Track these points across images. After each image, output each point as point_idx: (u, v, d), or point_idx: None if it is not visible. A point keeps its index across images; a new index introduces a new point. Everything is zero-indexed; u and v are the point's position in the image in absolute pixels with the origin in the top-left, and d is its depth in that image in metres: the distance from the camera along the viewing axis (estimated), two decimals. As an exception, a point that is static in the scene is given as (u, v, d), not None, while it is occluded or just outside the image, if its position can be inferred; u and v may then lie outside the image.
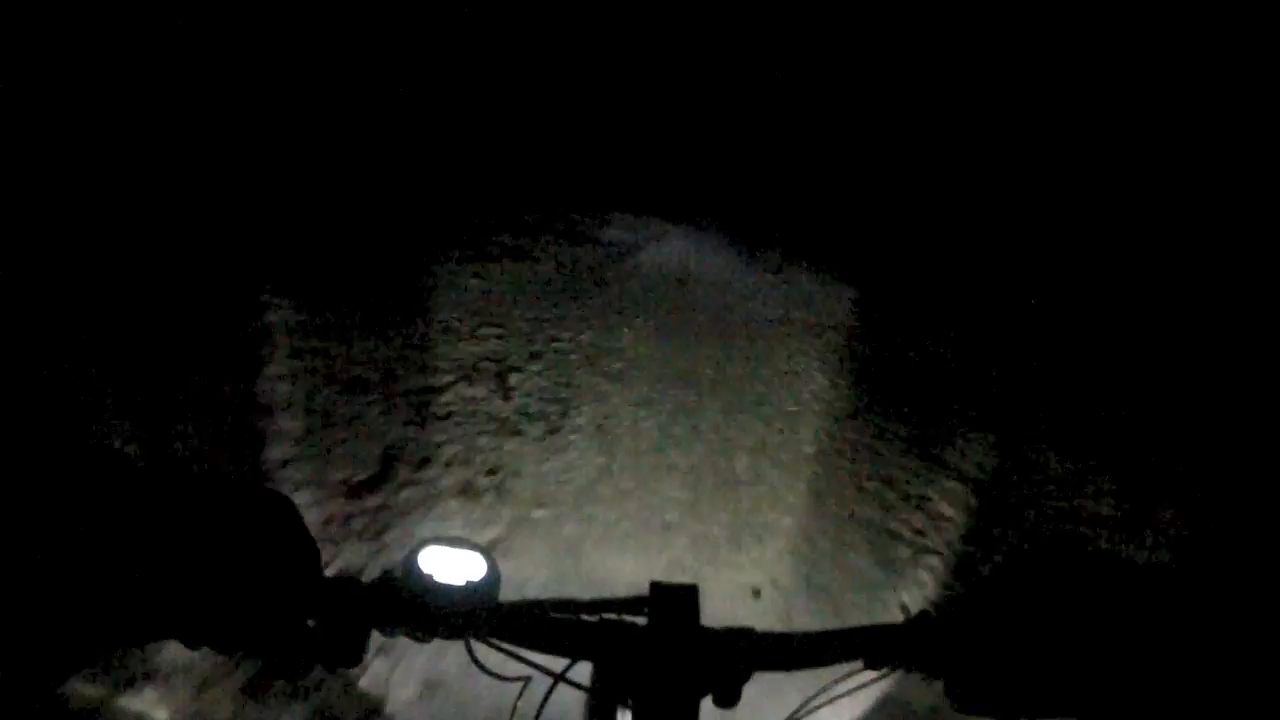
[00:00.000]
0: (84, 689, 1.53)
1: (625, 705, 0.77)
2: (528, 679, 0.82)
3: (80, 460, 0.74)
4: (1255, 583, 0.74)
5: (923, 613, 0.77)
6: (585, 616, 0.77)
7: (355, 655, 0.75)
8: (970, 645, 0.74)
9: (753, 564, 2.57)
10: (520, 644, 0.76)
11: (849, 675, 0.80)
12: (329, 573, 0.77)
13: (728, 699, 0.75)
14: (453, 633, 0.75)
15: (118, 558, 0.69)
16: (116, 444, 2.00)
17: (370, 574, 0.78)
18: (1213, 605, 0.71)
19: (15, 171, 2.68)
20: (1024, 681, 0.71)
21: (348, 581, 0.75)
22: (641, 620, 0.76)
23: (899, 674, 0.80)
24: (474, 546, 0.76)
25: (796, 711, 0.82)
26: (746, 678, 0.74)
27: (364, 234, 3.54)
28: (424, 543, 0.76)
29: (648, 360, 3.45)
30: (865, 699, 1.89)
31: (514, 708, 0.84)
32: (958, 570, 2.34)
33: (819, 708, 0.83)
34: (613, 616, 0.76)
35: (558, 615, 0.77)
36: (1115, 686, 0.70)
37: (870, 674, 0.80)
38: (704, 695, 0.74)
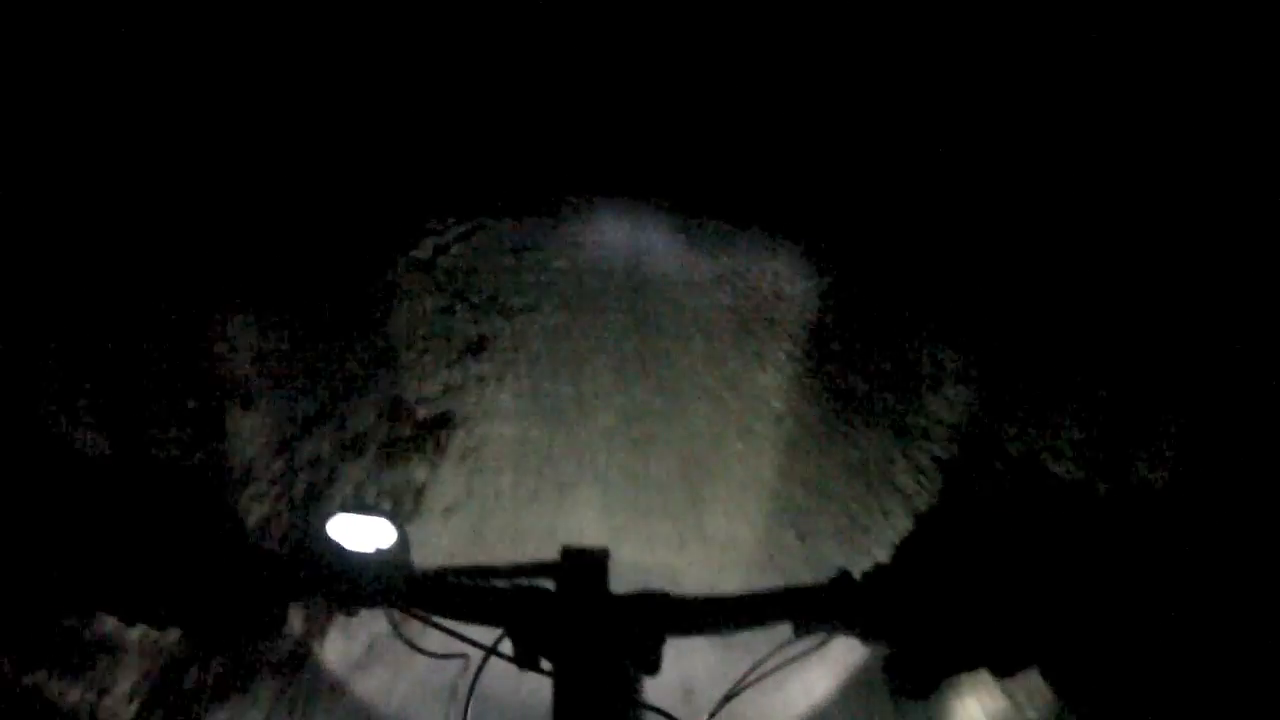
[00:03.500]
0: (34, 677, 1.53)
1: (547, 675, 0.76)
2: (464, 656, 0.81)
3: (7, 442, 0.74)
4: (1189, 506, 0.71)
5: (843, 572, 0.75)
6: (497, 582, 0.76)
7: (273, 626, 0.76)
8: (896, 604, 0.71)
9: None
10: (436, 612, 0.75)
11: (784, 645, 0.78)
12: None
13: (647, 666, 0.73)
14: (368, 601, 0.74)
15: (45, 536, 0.69)
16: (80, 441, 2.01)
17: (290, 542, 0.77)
18: (1149, 539, 0.69)
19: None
20: (953, 632, 0.68)
21: (264, 554, 0.75)
22: (552, 585, 0.74)
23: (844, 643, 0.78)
24: (382, 513, 0.75)
25: (738, 684, 0.80)
26: (661, 643, 0.72)
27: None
28: (332, 511, 0.75)
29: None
30: (839, 676, 1.87)
31: (454, 686, 0.83)
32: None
33: (759, 679, 0.80)
34: (523, 582, 0.75)
35: (469, 581, 0.76)
36: (1046, 629, 0.68)
37: (803, 643, 0.78)
38: (620, 660, 0.73)
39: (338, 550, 0.73)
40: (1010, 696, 1.87)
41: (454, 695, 0.83)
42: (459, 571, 0.77)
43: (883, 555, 0.74)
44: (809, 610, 0.74)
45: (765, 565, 2.33)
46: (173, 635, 1.48)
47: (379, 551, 0.73)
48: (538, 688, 0.81)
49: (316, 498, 2.27)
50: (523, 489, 2.52)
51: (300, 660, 1.75)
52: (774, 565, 2.33)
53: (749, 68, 4.49)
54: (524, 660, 0.73)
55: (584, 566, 0.74)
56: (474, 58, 4.32)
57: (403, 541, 0.74)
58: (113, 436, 2.10)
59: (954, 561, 0.70)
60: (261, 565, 0.74)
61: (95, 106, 3.07)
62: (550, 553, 0.78)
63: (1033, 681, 0.71)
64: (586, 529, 2.41)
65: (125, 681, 1.58)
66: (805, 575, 0.83)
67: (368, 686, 1.77)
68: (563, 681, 0.72)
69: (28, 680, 1.45)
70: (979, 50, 4.06)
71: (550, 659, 0.72)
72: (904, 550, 0.74)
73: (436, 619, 0.76)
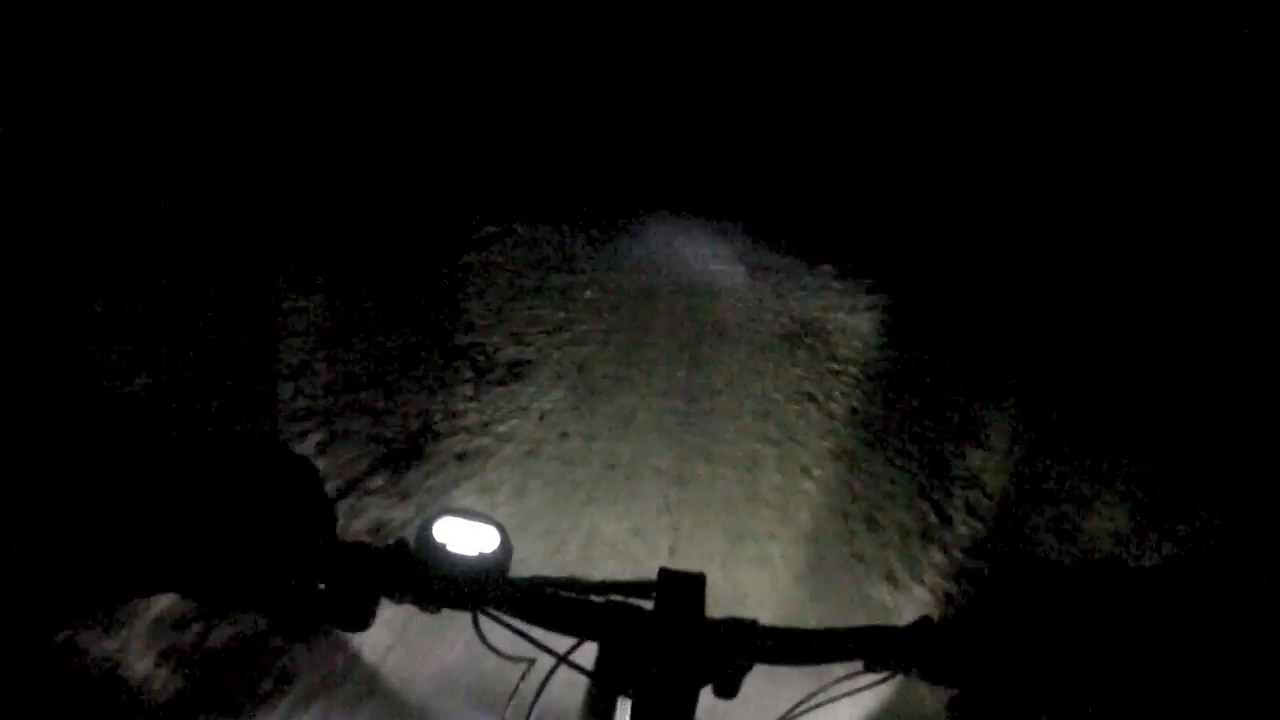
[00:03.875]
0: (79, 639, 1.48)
1: (626, 694, 0.78)
2: (531, 661, 0.83)
3: (101, 411, 0.76)
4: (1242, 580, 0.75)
5: (923, 618, 0.78)
6: (593, 597, 0.78)
7: (363, 620, 0.77)
8: (969, 651, 0.74)
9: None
10: (527, 619, 0.77)
11: (847, 677, 0.81)
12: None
13: (727, 690, 0.75)
14: (460, 603, 0.77)
15: (131, 507, 0.71)
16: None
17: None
18: (1207, 604, 0.72)
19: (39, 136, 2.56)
20: (1024, 685, 0.71)
21: (360, 547, 0.77)
22: (648, 605, 0.77)
23: (901, 682, 0.81)
24: (489, 519, 0.77)
25: (793, 709, 0.83)
26: (748, 669, 0.75)
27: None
28: (440, 512, 0.78)
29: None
30: (868, 706, 1.79)
31: (515, 688, 0.85)
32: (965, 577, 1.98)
33: (816, 707, 0.83)
34: (619, 599, 0.78)
35: (565, 594, 0.78)
36: (1111, 689, 0.70)
37: (868, 677, 0.80)
38: (705, 684, 0.75)
39: (439, 550, 0.76)
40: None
41: (511, 696, 0.85)
42: (555, 582, 0.79)
43: (920, 609, 0.77)
44: (887, 650, 0.77)
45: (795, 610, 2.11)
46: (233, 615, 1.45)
47: (481, 556, 0.76)
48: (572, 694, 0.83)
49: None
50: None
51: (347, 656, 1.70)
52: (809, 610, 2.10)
53: (817, 97, 4.42)
54: (608, 675, 0.75)
55: (682, 589, 0.77)
56: (539, 61, 4.19)
57: (505, 547, 0.77)
58: (206, 418, 2.02)
59: (1025, 617, 0.74)
60: (353, 560, 0.76)
61: (164, 90, 3.07)
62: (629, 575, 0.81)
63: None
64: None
65: (175, 658, 1.57)
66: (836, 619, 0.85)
67: (407, 677, 1.69)
68: (642, 698, 0.75)
69: (93, 654, 1.42)
70: (1055, 104, 4.05)
71: (637, 675, 0.74)
72: (978, 602, 0.78)
73: (519, 625, 0.78)
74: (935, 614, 0.79)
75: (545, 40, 4.22)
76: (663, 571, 0.78)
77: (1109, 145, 3.98)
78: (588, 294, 3.06)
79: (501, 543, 0.76)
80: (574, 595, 0.78)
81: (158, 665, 1.51)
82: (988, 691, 0.74)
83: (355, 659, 1.66)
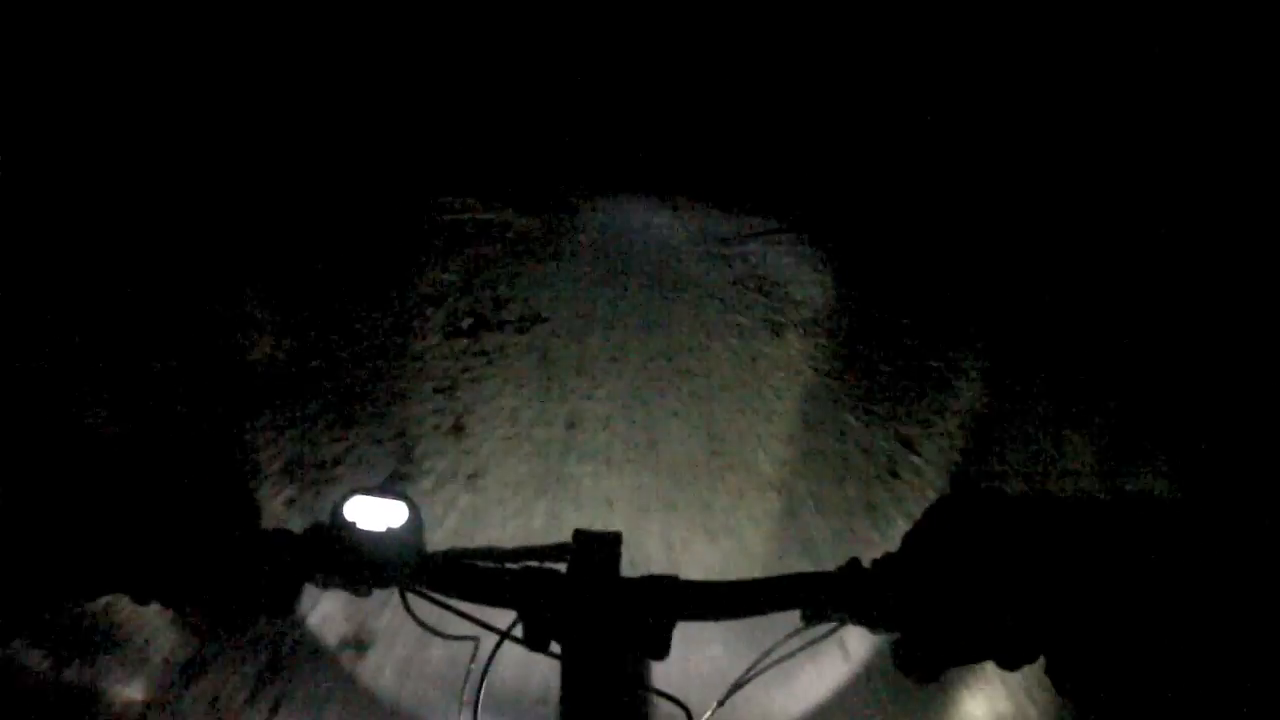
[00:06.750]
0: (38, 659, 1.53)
1: (555, 658, 0.77)
2: (476, 639, 0.82)
3: (15, 423, 0.75)
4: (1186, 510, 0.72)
5: (852, 560, 0.75)
6: (509, 565, 0.77)
7: (287, 606, 0.76)
8: (904, 592, 0.72)
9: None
10: (449, 593, 0.76)
11: (795, 634, 0.79)
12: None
13: (655, 650, 0.74)
14: (380, 582, 0.76)
15: (56, 514, 0.70)
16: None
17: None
18: (1156, 538, 0.69)
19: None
20: (966, 624, 0.69)
21: (280, 534, 0.77)
22: (564, 568, 0.75)
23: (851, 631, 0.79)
24: (398, 495, 0.76)
25: (747, 672, 0.81)
26: (670, 627, 0.73)
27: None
28: (351, 492, 0.77)
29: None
30: (848, 668, 1.84)
31: (467, 670, 0.84)
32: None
33: (768, 668, 0.81)
34: (535, 564, 0.76)
35: (482, 563, 0.77)
36: (1055, 622, 0.68)
37: (812, 631, 0.78)
38: (629, 645, 0.74)
39: (352, 530, 0.75)
40: (1016, 697, 1.85)
41: (466, 677, 0.84)
42: (471, 553, 0.78)
43: (888, 548, 0.75)
44: (818, 597, 0.75)
45: (769, 562, 2.24)
46: (181, 618, 1.48)
47: (391, 531, 0.75)
48: (546, 670, 0.82)
49: (331, 481, 2.14)
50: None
51: (310, 644, 1.73)
52: (779, 563, 2.23)
53: (765, 67, 4.44)
54: (534, 642, 0.74)
55: (596, 550, 0.75)
56: (493, 53, 4.23)
57: (415, 522, 0.75)
58: (124, 418, 2.07)
59: (962, 553, 0.71)
60: (276, 545, 0.76)
61: (111, 104, 3.07)
62: (562, 538, 0.79)
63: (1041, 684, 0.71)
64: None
65: (133, 666, 1.59)
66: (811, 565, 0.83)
67: (371, 667, 1.74)
68: (571, 664, 0.73)
69: (38, 667, 1.45)
70: (999, 53, 4.05)
71: (560, 641, 0.73)
72: (913, 540, 0.75)
73: (449, 600, 0.77)
74: (865, 559, 0.76)
75: (498, 25, 4.21)
76: (577, 533, 0.77)
77: (1060, 92, 3.94)
78: (551, 267, 3.17)
79: (410, 517, 0.75)
80: (490, 564, 0.77)
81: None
82: (929, 633, 0.72)
83: (315, 652, 1.72)
